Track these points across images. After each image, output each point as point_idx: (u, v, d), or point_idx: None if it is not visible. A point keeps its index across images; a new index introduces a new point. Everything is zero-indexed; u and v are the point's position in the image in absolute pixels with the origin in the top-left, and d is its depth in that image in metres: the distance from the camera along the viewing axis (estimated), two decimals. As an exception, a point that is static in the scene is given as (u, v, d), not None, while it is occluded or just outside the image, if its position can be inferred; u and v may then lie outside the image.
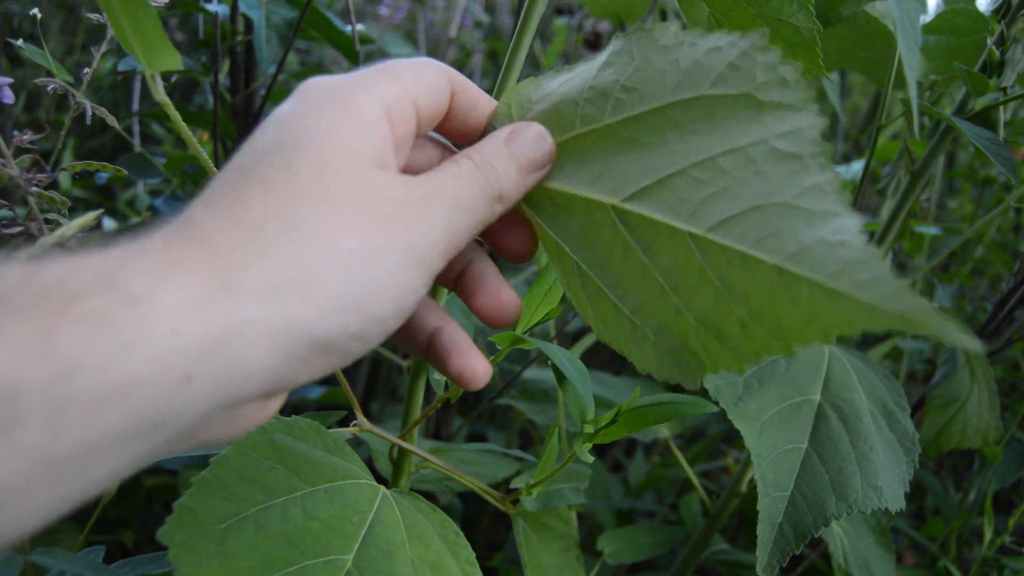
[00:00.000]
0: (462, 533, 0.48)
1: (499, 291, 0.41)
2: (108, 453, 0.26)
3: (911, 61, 0.37)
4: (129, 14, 0.37)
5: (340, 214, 0.32)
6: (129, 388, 0.25)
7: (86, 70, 0.55)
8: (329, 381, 1.19)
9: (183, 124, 0.43)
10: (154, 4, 0.53)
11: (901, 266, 1.42)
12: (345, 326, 0.31)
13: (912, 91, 0.37)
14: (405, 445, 0.54)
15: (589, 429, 0.51)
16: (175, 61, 0.39)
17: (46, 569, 0.49)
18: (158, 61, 0.39)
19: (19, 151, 0.49)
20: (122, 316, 0.25)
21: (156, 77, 0.40)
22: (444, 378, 0.56)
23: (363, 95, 0.35)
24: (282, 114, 0.35)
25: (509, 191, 0.38)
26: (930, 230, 1.08)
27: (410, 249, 0.33)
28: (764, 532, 0.54)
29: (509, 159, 0.38)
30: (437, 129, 0.41)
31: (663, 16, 1.26)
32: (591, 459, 0.52)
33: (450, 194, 0.36)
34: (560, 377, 0.50)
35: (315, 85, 0.36)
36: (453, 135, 0.42)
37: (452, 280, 0.42)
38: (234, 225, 0.30)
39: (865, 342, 1.44)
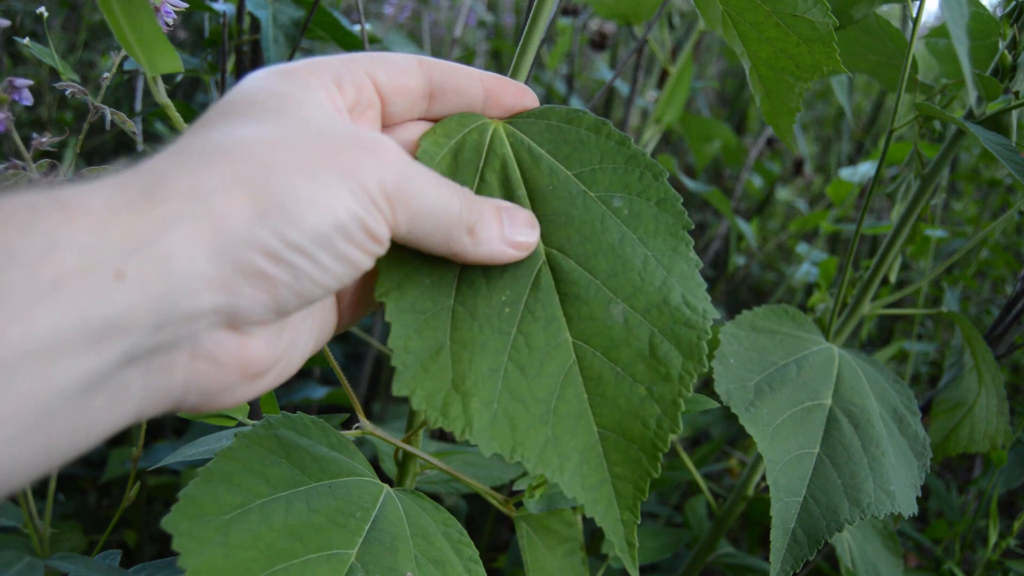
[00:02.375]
0: (466, 532, 0.48)
1: None
2: (60, 359, 0.25)
3: (960, 38, 0.37)
4: (130, 18, 0.37)
5: (274, 134, 0.33)
6: (63, 280, 0.25)
7: (106, 74, 0.55)
8: (332, 381, 1.19)
9: (184, 125, 0.44)
10: (173, 6, 0.53)
11: (904, 268, 1.42)
12: (281, 232, 0.30)
13: (966, 66, 0.36)
14: (410, 448, 0.54)
15: None
16: (176, 64, 0.40)
17: (65, 573, 0.49)
18: (159, 63, 0.40)
19: (39, 154, 0.48)
20: (49, 217, 0.26)
21: (158, 79, 0.41)
22: None
23: (306, 65, 0.37)
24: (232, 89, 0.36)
25: (484, 235, 0.39)
26: (937, 233, 1.07)
27: (351, 173, 0.33)
28: (777, 538, 0.54)
29: (495, 213, 0.40)
30: (428, 115, 0.43)
31: (668, 17, 1.26)
32: None
33: (420, 168, 0.36)
34: None
35: (264, 69, 0.37)
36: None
37: None
38: (167, 156, 0.31)
39: (869, 344, 1.44)
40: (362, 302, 0.43)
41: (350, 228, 0.33)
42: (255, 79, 0.36)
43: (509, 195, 0.42)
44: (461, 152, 0.42)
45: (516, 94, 0.44)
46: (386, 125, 0.42)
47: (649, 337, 0.40)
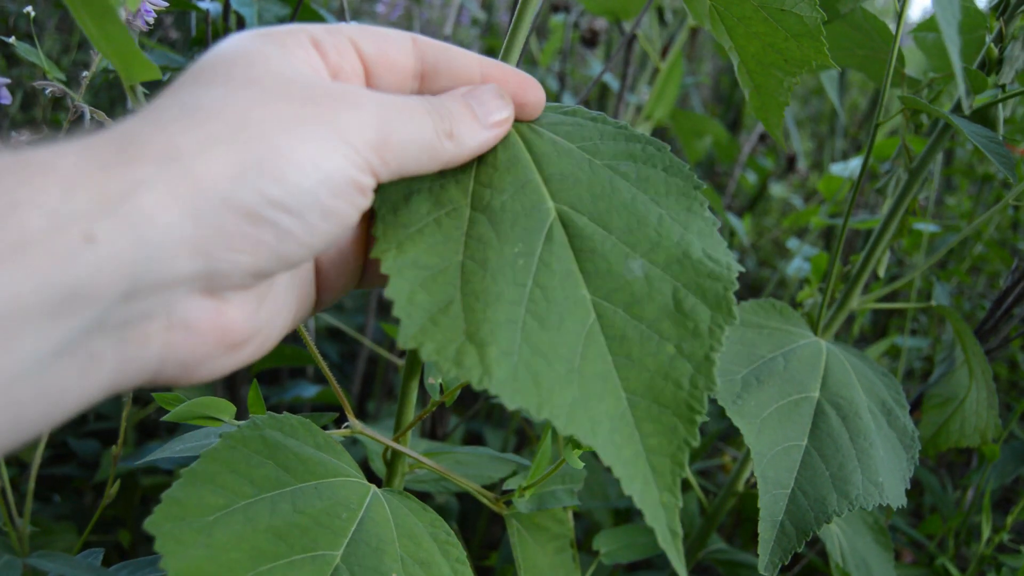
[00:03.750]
0: (453, 532, 0.48)
1: None
2: (23, 325, 0.25)
3: (951, 36, 0.37)
4: (102, 31, 0.37)
5: (249, 93, 0.32)
6: (28, 244, 0.24)
7: (85, 73, 0.55)
8: (325, 380, 1.19)
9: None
10: (152, 5, 0.53)
11: (900, 263, 1.42)
12: (262, 190, 0.30)
13: (957, 67, 0.36)
14: (398, 447, 0.53)
15: None
16: (153, 72, 0.39)
17: (45, 572, 0.48)
18: (135, 73, 0.40)
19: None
20: (12, 177, 0.25)
21: (136, 87, 0.41)
22: (439, 382, 0.55)
23: (285, 28, 0.36)
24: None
25: (463, 133, 0.38)
26: (929, 227, 1.07)
27: (332, 127, 0.32)
28: (765, 530, 0.54)
29: (463, 106, 0.38)
30: (422, 90, 0.41)
31: (660, 13, 1.26)
32: (581, 465, 0.52)
33: (390, 100, 0.35)
34: None
35: (242, 31, 0.36)
36: None
37: None
38: (138, 118, 0.30)
39: (863, 339, 1.44)
40: (342, 274, 0.42)
41: (336, 181, 0.32)
42: (231, 41, 0.35)
43: (513, 156, 0.41)
44: None
45: (520, 84, 0.42)
46: None
47: (672, 292, 0.38)
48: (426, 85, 0.41)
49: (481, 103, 0.39)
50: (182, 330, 0.31)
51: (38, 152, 0.27)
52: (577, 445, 0.51)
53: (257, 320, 0.34)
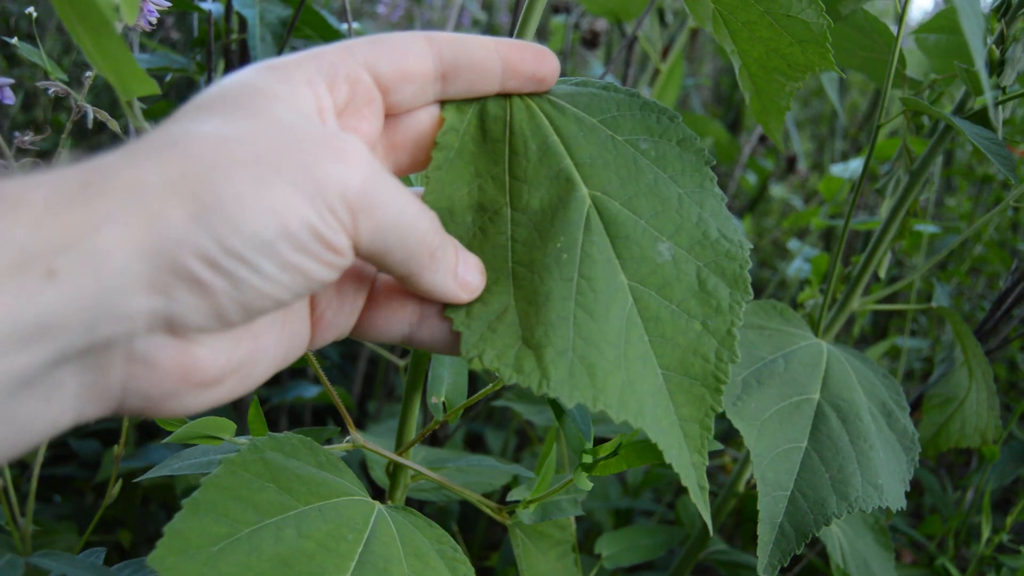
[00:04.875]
0: (460, 548, 0.47)
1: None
2: None
3: (976, 46, 0.37)
4: (99, 47, 0.36)
5: (236, 133, 0.31)
6: None
7: (88, 74, 0.55)
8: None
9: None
10: (155, 5, 0.53)
11: (899, 264, 1.42)
12: (219, 236, 0.29)
13: (983, 74, 0.36)
14: (401, 461, 0.53)
15: (587, 459, 0.51)
16: (150, 87, 0.38)
17: (47, 571, 0.48)
18: (132, 88, 0.39)
19: (20, 152, 0.48)
20: None
21: (133, 103, 0.40)
22: (442, 401, 0.55)
23: (296, 60, 0.35)
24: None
25: (439, 265, 0.37)
26: (928, 228, 1.07)
27: (308, 177, 0.31)
28: (765, 532, 0.54)
29: (454, 252, 0.39)
30: (443, 96, 0.41)
31: (660, 14, 1.26)
32: (590, 486, 0.52)
33: (394, 181, 0.34)
34: (558, 411, 0.50)
35: (253, 64, 0.35)
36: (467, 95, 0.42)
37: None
38: (120, 150, 0.30)
39: (863, 340, 1.44)
40: (340, 317, 0.40)
41: (300, 236, 0.31)
42: (240, 74, 0.34)
43: (542, 142, 0.41)
44: (485, 112, 0.42)
45: (536, 58, 0.42)
46: (394, 114, 0.40)
47: (696, 272, 0.41)
48: (449, 83, 0.40)
49: (466, 262, 0.39)
50: (142, 365, 0.30)
51: (13, 183, 0.27)
52: (588, 468, 0.51)
53: (232, 359, 0.33)
